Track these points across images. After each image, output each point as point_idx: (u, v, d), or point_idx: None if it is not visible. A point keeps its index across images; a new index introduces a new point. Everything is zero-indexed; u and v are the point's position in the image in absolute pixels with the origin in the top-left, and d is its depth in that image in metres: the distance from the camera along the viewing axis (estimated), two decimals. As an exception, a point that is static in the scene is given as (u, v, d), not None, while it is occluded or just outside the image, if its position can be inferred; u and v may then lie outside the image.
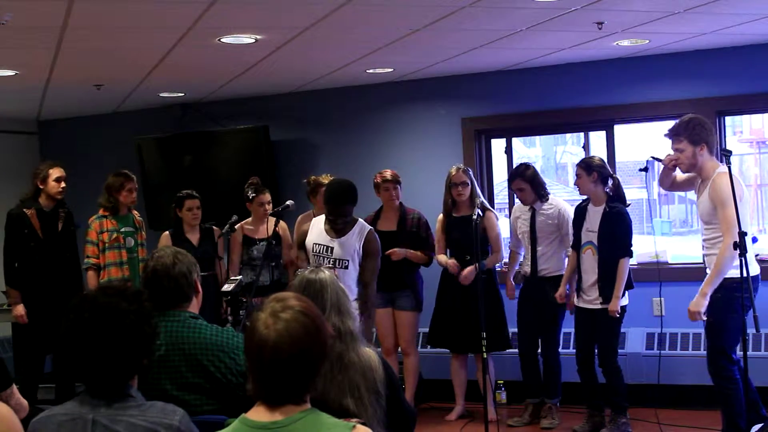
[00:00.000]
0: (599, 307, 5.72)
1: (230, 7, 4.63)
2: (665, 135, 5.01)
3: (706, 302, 4.77)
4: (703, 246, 5.02)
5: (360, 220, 5.32)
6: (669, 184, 5.25)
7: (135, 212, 6.73)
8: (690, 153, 4.87)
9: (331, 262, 5.13)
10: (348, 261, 5.14)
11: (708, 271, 4.93)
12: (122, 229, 6.51)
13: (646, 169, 5.39)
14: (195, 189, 6.71)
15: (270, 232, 6.17)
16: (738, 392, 4.87)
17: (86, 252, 6.48)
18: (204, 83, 7.22)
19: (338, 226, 5.18)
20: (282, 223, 6.31)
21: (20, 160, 8.59)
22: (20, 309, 6.29)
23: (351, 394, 2.86)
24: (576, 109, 6.99)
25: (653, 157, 5.22)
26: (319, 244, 5.22)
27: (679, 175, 5.19)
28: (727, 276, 4.79)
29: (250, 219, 6.59)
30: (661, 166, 5.18)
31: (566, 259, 6.13)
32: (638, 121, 7.17)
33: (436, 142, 7.41)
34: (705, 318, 4.80)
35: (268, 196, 6.52)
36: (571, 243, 6.02)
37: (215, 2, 4.46)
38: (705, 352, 5.15)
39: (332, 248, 5.17)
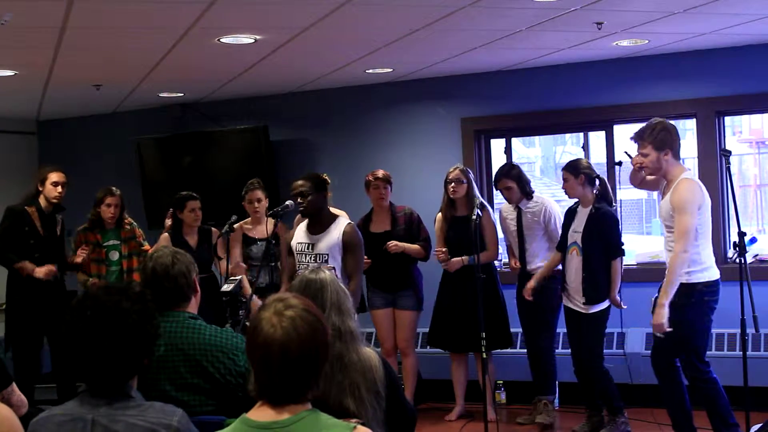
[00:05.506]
0: (582, 310, 5.69)
1: (230, 7, 4.63)
2: (631, 138, 5.03)
3: (666, 311, 4.75)
4: (664, 248, 5.03)
5: (340, 216, 5.34)
6: (638, 181, 5.27)
7: (127, 220, 6.70)
8: (654, 158, 4.88)
9: (313, 258, 5.17)
10: (327, 256, 5.16)
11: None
12: (106, 243, 6.56)
13: (619, 164, 5.43)
14: (194, 189, 6.68)
15: (269, 232, 6.16)
16: (719, 390, 4.90)
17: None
18: (204, 83, 7.22)
19: (300, 207, 5.20)
20: (281, 224, 6.31)
21: (20, 160, 8.59)
22: (41, 269, 6.28)
23: (351, 395, 2.86)
24: (575, 109, 6.99)
25: (626, 153, 5.25)
26: (300, 243, 5.30)
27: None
28: (699, 281, 4.79)
29: (249, 219, 6.58)
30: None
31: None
32: (638, 121, 7.12)
33: (435, 142, 7.41)
34: (669, 329, 4.78)
35: (257, 194, 6.43)
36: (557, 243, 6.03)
37: (215, 2, 4.46)
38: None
39: (312, 245, 5.23)
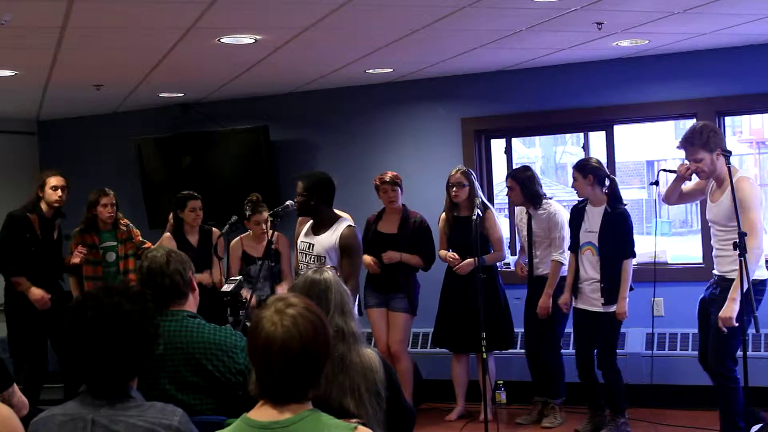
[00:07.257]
0: (600, 309, 5.72)
1: (230, 7, 4.63)
2: (678, 147, 5.03)
3: (737, 307, 4.76)
4: (715, 248, 5.03)
5: (342, 217, 5.31)
6: (677, 196, 5.28)
7: (123, 221, 6.66)
8: (708, 160, 4.91)
9: (313, 259, 5.18)
10: (325, 257, 5.15)
11: (716, 272, 4.99)
12: (102, 245, 6.54)
13: (656, 183, 5.45)
14: (195, 189, 6.68)
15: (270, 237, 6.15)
16: (738, 392, 4.91)
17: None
18: (204, 83, 7.22)
19: (296, 204, 5.24)
20: (282, 238, 6.30)
21: (20, 161, 8.60)
22: (37, 292, 6.27)
23: (351, 395, 2.86)
24: (576, 110, 6.99)
25: (664, 170, 5.27)
26: (303, 242, 5.31)
27: (684, 186, 5.22)
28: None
29: (250, 233, 6.53)
30: (669, 179, 5.20)
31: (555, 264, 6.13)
32: (638, 122, 7.18)
33: (435, 142, 7.40)
34: (736, 323, 4.79)
35: (265, 215, 6.37)
36: (568, 246, 6.02)
37: (215, 2, 4.46)
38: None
39: (313, 245, 5.23)
